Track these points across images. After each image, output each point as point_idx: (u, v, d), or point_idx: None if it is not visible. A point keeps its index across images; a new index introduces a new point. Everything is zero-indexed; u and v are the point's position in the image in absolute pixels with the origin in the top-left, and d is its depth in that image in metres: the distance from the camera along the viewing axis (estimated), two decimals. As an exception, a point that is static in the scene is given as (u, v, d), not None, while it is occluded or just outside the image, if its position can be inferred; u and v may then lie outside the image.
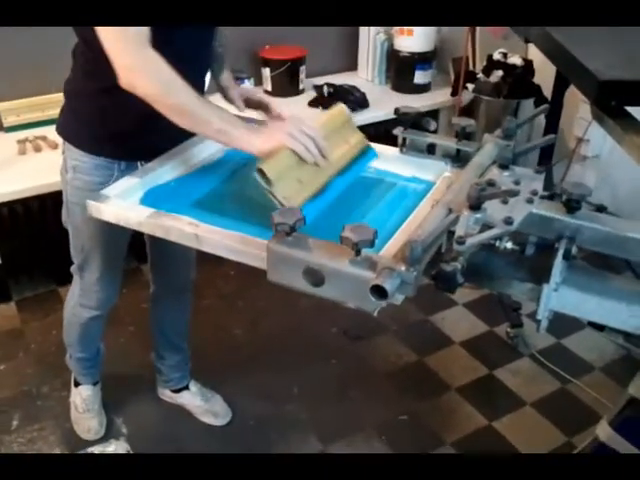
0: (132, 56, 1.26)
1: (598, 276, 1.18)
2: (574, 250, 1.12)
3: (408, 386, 2.36)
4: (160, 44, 1.28)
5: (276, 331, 2.60)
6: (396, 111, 1.44)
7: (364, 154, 1.49)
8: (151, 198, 1.34)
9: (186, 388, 2.21)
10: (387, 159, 1.49)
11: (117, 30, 1.24)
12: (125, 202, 1.31)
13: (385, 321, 2.65)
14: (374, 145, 1.51)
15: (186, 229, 1.19)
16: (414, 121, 1.47)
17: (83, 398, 2.12)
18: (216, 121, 1.28)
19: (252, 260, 1.14)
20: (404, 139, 1.47)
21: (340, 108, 1.49)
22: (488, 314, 2.69)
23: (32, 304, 2.70)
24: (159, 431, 2.16)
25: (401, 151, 1.48)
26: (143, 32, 1.25)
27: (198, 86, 1.43)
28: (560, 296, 1.14)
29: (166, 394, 2.24)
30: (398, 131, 1.47)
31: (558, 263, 1.10)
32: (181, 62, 1.31)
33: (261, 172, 1.22)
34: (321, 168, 1.32)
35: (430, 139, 1.46)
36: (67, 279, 1.88)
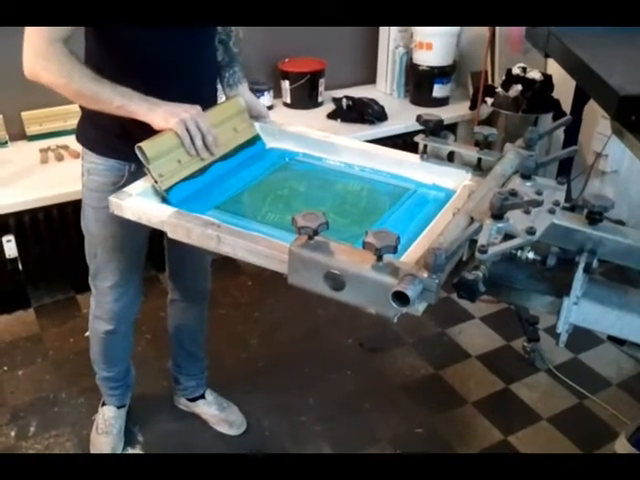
0: (37, 49, 1.37)
1: (618, 290, 1.18)
2: (595, 264, 1.12)
3: (424, 399, 2.35)
4: (135, 46, 1.44)
5: (292, 342, 2.60)
6: (418, 118, 1.45)
7: (252, 144, 1.57)
8: (173, 198, 1.35)
9: (202, 397, 2.22)
10: (408, 166, 1.50)
11: (35, 28, 1.36)
12: (147, 200, 1.32)
13: (401, 334, 2.64)
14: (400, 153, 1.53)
15: (207, 230, 1.20)
16: (433, 131, 1.48)
17: (105, 419, 2.10)
18: (117, 98, 1.38)
19: (272, 262, 1.14)
20: (425, 146, 1.48)
21: (235, 100, 1.60)
22: (505, 328, 2.68)
23: (51, 311, 2.73)
24: (175, 439, 2.16)
25: (422, 158, 1.48)
26: (55, 29, 1.36)
27: (190, 93, 1.48)
28: (580, 309, 1.14)
29: (182, 403, 2.25)
30: (419, 138, 1.47)
31: (579, 276, 1.10)
32: (164, 65, 1.47)
33: (140, 149, 1.32)
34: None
35: (452, 147, 1.47)
36: (85, 287, 1.89)
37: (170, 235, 1.33)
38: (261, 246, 1.15)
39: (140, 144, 1.32)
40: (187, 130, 1.38)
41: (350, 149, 1.57)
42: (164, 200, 1.34)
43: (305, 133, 1.63)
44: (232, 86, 1.72)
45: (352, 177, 1.51)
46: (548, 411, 2.29)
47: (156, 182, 1.33)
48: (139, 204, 1.30)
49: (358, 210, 1.38)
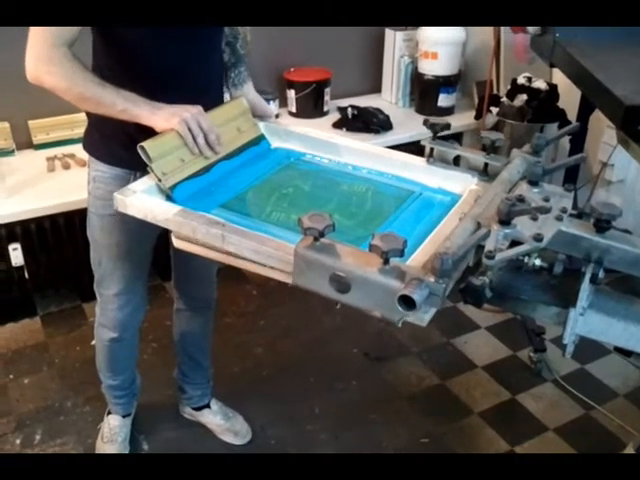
0: (40, 53, 1.37)
1: (624, 301, 1.18)
2: (601, 274, 1.12)
3: (429, 409, 2.34)
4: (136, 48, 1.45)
5: (297, 351, 2.60)
6: (425, 122, 1.45)
7: (256, 143, 1.58)
8: (177, 196, 1.34)
9: (207, 406, 2.21)
10: (413, 168, 1.49)
11: (38, 29, 1.36)
12: (152, 198, 1.31)
13: (407, 343, 2.64)
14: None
15: (212, 229, 1.19)
16: (439, 138, 1.48)
17: (110, 427, 2.10)
18: (120, 102, 1.38)
19: (277, 263, 1.13)
20: (431, 149, 1.47)
21: (238, 100, 1.61)
22: (511, 338, 2.67)
23: (57, 319, 2.73)
24: (180, 449, 2.16)
25: (428, 161, 1.48)
26: (59, 33, 1.37)
27: (196, 96, 1.48)
28: (586, 321, 1.13)
29: (187, 412, 2.25)
30: (426, 141, 1.47)
31: (585, 287, 1.10)
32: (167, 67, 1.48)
33: (142, 149, 1.32)
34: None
35: (458, 151, 1.46)
36: (92, 295, 1.89)
37: (175, 242, 1.33)
38: (267, 247, 1.14)
39: (142, 143, 1.32)
40: (189, 129, 1.39)
41: (355, 150, 1.57)
42: (168, 198, 1.34)
43: (310, 134, 1.63)
44: (237, 86, 1.72)
45: (357, 178, 1.51)
46: (554, 422, 2.28)
47: (159, 180, 1.32)
48: (144, 201, 1.29)
49: (363, 212, 1.37)
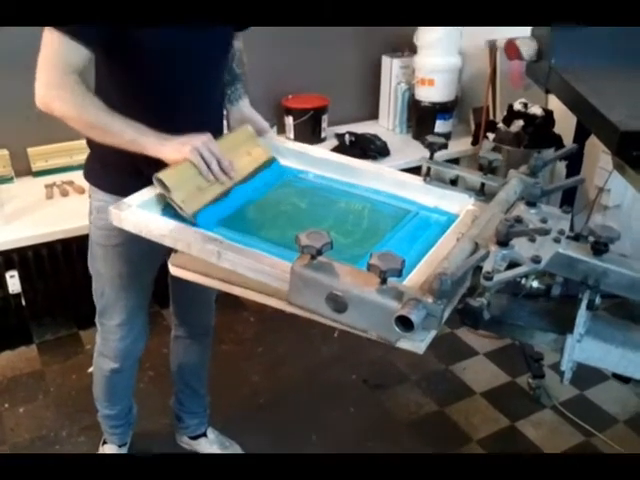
0: (51, 79, 1.36)
1: (622, 327, 1.17)
2: (598, 300, 1.11)
3: (428, 436, 2.32)
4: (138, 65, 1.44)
5: (295, 378, 2.58)
6: (423, 141, 1.46)
7: (268, 165, 1.57)
8: (172, 211, 1.33)
9: (204, 435, 2.19)
10: (410, 187, 1.49)
11: (48, 56, 1.36)
12: (147, 213, 1.30)
13: (405, 370, 2.62)
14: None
15: (208, 244, 1.18)
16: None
17: None
18: (128, 132, 1.37)
19: (273, 280, 1.12)
20: (428, 168, 1.47)
21: (244, 127, 1.61)
22: (509, 364, 2.65)
23: (53, 347, 2.71)
24: (176, 478, 2.13)
25: (425, 180, 1.48)
26: (70, 60, 1.36)
27: (198, 117, 1.49)
28: (584, 347, 1.13)
29: (184, 441, 2.22)
30: (423, 160, 1.47)
31: (582, 313, 1.09)
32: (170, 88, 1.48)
33: (159, 180, 1.32)
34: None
35: (455, 171, 1.46)
36: (89, 323, 1.88)
37: (172, 269, 1.32)
38: (263, 264, 1.13)
39: (158, 175, 1.31)
40: (202, 157, 1.38)
41: (352, 168, 1.57)
42: (165, 213, 1.33)
43: (307, 151, 1.63)
44: (233, 102, 1.72)
45: (354, 196, 1.51)
46: (554, 449, 2.26)
47: (181, 209, 1.31)
48: (139, 216, 1.28)
49: (360, 230, 1.36)
